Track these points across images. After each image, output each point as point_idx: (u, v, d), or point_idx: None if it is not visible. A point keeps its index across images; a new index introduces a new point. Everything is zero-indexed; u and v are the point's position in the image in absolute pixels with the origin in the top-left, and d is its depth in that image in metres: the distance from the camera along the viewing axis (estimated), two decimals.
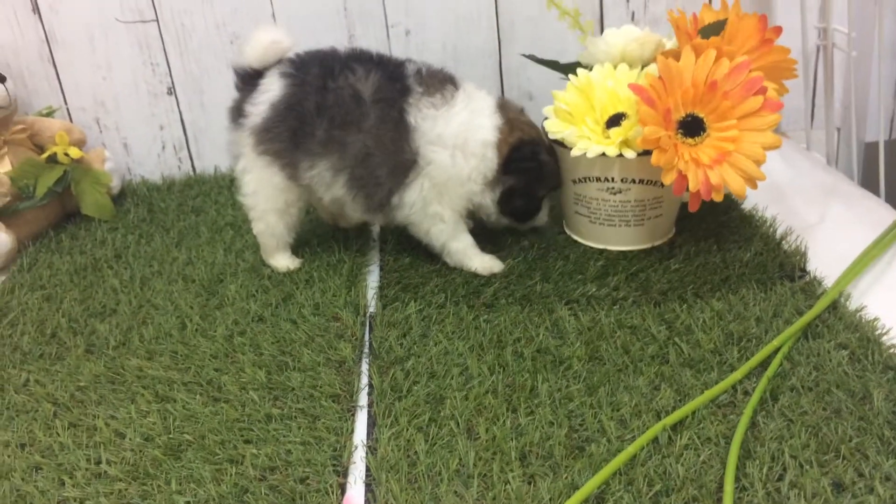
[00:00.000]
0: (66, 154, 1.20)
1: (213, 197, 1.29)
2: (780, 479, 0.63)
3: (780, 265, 0.93)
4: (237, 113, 0.99)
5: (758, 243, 0.98)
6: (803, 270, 0.93)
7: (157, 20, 1.27)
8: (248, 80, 0.99)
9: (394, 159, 0.94)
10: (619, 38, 1.01)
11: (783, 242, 0.98)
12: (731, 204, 1.08)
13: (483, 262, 0.99)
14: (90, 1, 1.25)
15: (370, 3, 1.28)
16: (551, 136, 0.99)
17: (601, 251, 1.00)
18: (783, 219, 1.03)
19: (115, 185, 1.27)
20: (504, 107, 1.00)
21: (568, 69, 1.03)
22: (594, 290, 0.92)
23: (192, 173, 1.38)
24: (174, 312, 0.97)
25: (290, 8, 1.28)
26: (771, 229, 1.01)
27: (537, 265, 0.98)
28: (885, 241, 0.96)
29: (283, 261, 1.04)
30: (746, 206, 1.08)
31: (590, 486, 0.62)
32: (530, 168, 0.98)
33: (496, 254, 1.01)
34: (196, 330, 0.92)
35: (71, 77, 1.30)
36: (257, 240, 1.05)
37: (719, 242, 0.99)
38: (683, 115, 0.91)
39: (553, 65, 1.06)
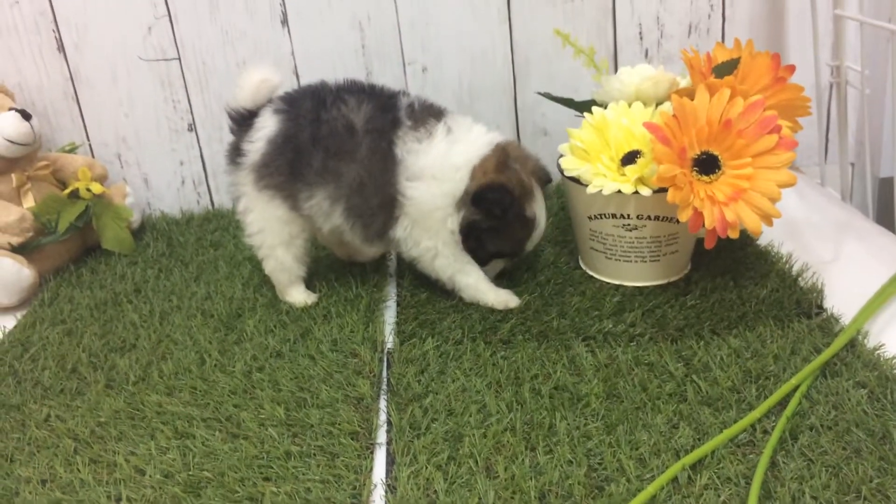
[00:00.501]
0: (88, 189, 1.22)
1: (231, 231, 1.30)
2: None
3: (797, 302, 0.93)
4: (235, 154, 1.02)
5: (774, 280, 0.98)
6: (820, 307, 0.93)
7: (180, 59, 1.30)
8: (243, 121, 1.01)
9: (382, 192, 0.96)
10: (633, 76, 1.03)
11: (799, 279, 0.98)
12: (746, 240, 1.08)
13: (498, 297, 0.99)
14: (114, 39, 1.28)
15: (387, 41, 1.30)
16: (567, 174, 1.00)
17: (617, 287, 1.01)
18: (799, 255, 1.03)
19: (136, 219, 1.29)
20: (504, 148, 0.98)
21: (583, 107, 1.04)
22: (611, 326, 0.92)
23: (210, 207, 1.40)
24: (193, 347, 0.98)
25: (309, 47, 1.30)
26: (787, 266, 1.01)
27: (554, 301, 0.99)
28: None
29: (299, 295, 1.05)
30: (762, 242, 1.08)
31: None
32: (493, 214, 0.96)
33: (512, 288, 1.01)
34: (215, 365, 0.93)
35: (94, 114, 1.33)
36: (271, 279, 1.07)
37: (735, 279, 0.99)
38: (698, 152, 0.92)
39: (568, 102, 1.07)
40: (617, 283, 1.02)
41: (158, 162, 1.37)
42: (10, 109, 1.15)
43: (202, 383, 0.90)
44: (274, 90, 1.01)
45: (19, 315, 1.11)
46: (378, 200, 0.97)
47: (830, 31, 1.21)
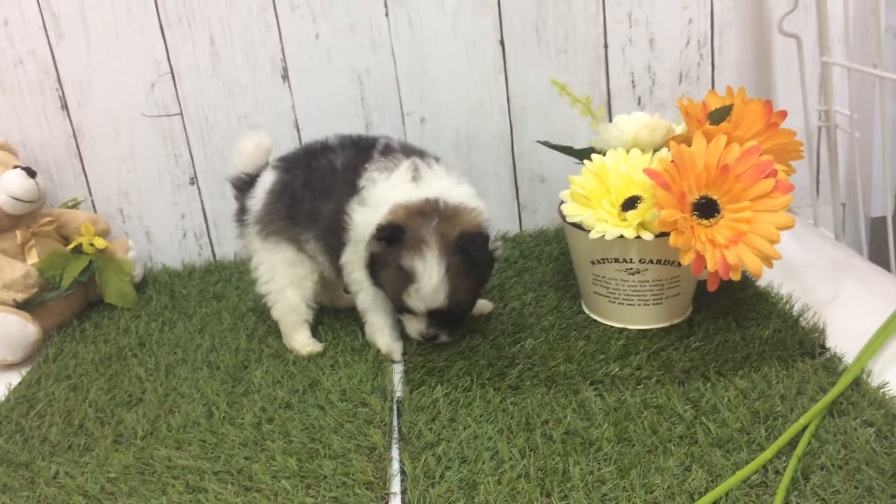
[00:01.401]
0: (92, 244, 1.23)
1: (233, 283, 1.31)
2: None
3: (800, 342, 0.94)
4: (241, 214, 1.08)
5: (776, 320, 0.99)
6: (823, 347, 0.94)
7: (182, 114, 1.32)
8: (245, 186, 1.08)
9: (340, 217, 1.00)
10: (630, 124, 1.05)
11: (800, 319, 0.99)
12: (746, 282, 1.10)
13: (386, 344, 1.04)
14: (117, 97, 1.30)
15: (386, 93, 1.33)
16: (569, 220, 1.02)
17: (621, 330, 1.02)
18: (798, 296, 1.05)
19: (138, 273, 1.30)
20: (436, 202, 0.96)
21: (582, 154, 1.06)
22: (617, 369, 0.93)
23: (212, 259, 1.41)
24: (200, 400, 0.98)
25: (309, 100, 1.33)
26: (787, 306, 1.03)
27: (559, 345, 1.00)
28: None
29: (304, 339, 1.07)
30: (761, 283, 1.10)
31: None
32: (386, 249, 0.95)
33: (516, 334, 1.02)
34: (223, 417, 0.93)
35: (96, 169, 1.34)
36: (278, 325, 1.07)
37: (737, 320, 1.01)
38: (697, 197, 0.94)
39: (567, 150, 1.09)
40: (621, 326, 1.03)
41: (160, 215, 1.38)
42: (15, 167, 1.17)
43: (211, 436, 0.90)
44: (269, 152, 1.08)
45: (24, 371, 1.11)
46: (338, 226, 1.00)
47: (817, 76, 1.25)
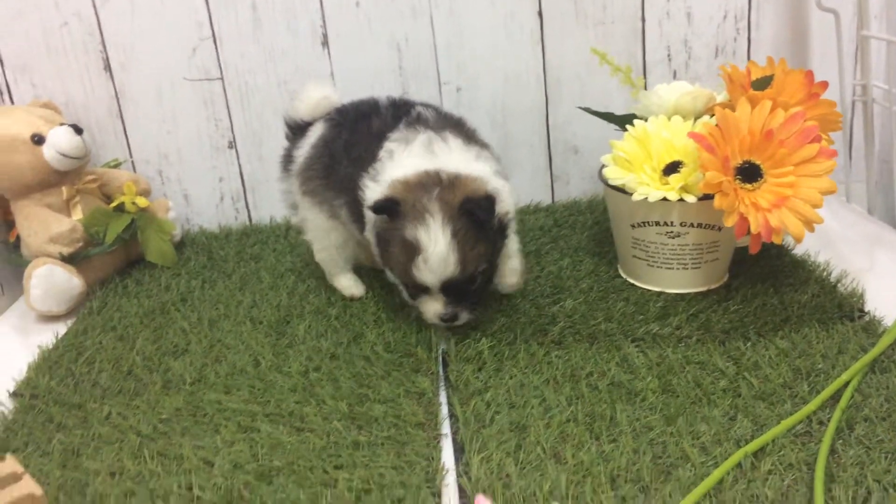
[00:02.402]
0: (134, 203, 1.25)
1: (270, 245, 1.33)
2: (866, 501, 0.65)
3: (839, 306, 0.96)
4: (287, 161, 1.10)
5: (814, 286, 1.00)
6: (862, 311, 0.95)
7: (223, 78, 1.34)
8: (298, 131, 1.09)
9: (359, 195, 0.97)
10: (671, 92, 1.07)
11: (839, 285, 1.01)
12: (782, 250, 1.11)
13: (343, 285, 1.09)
14: (159, 60, 1.32)
15: (424, 63, 1.35)
16: (611, 183, 1.04)
17: (659, 293, 1.03)
18: (835, 264, 1.06)
19: (177, 233, 1.32)
20: (437, 174, 0.91)
21: (623, 120, 1.08)
22: (657, 328, 0.94)
23: (248, 223, 1.43)
24: (246, 351, 1.00)
25: (348, 67, 1.34)
26: (825, 273, 1.04)
27: (598, 306, 1.01)
28: None
29: (347, 282, 1.11)
30: (797, 252, 1.11)
31: None
32: (388, 226, 0.92)
33: (556, 295, 1.04)
34: (270, 366, 0.95)
35: (137, 131, 1.36)
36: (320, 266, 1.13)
37: (775, 286, 1.02)
38: (741, 161, 0.95)
39: (609, 117, 1.11)
40: (659, 289, 1.04)
41: (199, 178, 1.40)
42: (62, 125, 1.19)
43: (260, 383, 0.92)
44: (332, 107, 1.09)
45: (69, 323, 1.13)
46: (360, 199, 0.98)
47: (853, 53, 1.26)
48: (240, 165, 1.40)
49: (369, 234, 0.98)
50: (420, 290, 0.92)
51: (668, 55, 1.37)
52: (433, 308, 0.93)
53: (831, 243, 1.15)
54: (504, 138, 1.40)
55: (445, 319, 0.93)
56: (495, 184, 0.93)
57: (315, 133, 1.06)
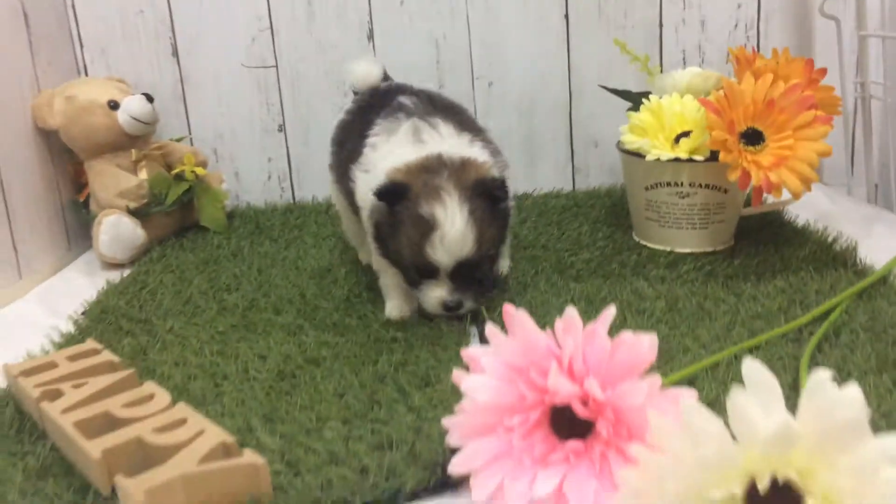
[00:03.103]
0: (193, 172, 1.37)
1: (312, 218, 1.45)
2: (847, 378, 0.74)
3: (834, 258, 1.05)
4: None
5: (812, 245, 1.10)
6: (856, 262, 1.04)
7: (277, 66, 1.48)
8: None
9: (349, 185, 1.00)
10: (684, 74, 1.19)
11: (835, 245, 1.10)
12: (784, 221, 1.21)
13: (391, 305, 0.98)
14: (221, 48, 1.46)
15: (459, 58, 1.48)
16: (627, 147, 1.15)
17: (669, 251, 1.13)
18: (834, 231, 1.16)
19: (228, 203, 1.44)
20: (439, 156, 0.90)
21: (639, 97, 1.19)
22: (666, 273, 1.04)
23: (292, 201, 1.55)
24: (293, 287, 1.10)
25: (390, 59, 1.47)
26: (823, 236, 1.13)
27: (613, 258, 1.11)
28: None
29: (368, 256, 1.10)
30: (799, 223, 1.20)
31: (680, 374, 0.73)
32: (391, 213, 0.90)
33: (571, 249, 1.14)
34: (315, 296, 1.06)
35: (197, 112, 1.50)
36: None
37: (776, 246, 1.11)
38: (745, 128, 1.06)
39: (625, 94, 1.22)
40: (669, 248, 1.14)
41: (249, 157, 1.53)
42: (135, 94, 1.32)
43: (306, 306, 1.02)
44: (377, 82, 1.14)
45: (132, 269, 1.25)
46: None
47: (856, 60, 1.37)
48: (287, 148, 1.53)
49: (366, 224, 0.96)
50: (426, 273, 0.89)
51: (683, 59, 1.49)
52: (437, 294, 0.90)
53: (832, 218, 1.25)
54: (530, 131, 1.52)
55: (449, 308, 0.90)
56: (491, 162, 0.93)
57: (345, 108, 1.15)
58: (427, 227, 0.86)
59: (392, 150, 0.93)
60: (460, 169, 0.89)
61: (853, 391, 0.43)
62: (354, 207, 1.01)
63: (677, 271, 1.05)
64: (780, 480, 0.45)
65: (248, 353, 0.90)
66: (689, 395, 0.53)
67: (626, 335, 0.54)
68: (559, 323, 0.56)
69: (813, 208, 1.28)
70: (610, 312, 0.56)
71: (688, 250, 1.13)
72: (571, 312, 0.57)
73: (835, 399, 0.44)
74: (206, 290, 1.12)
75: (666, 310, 0.91)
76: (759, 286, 0.98)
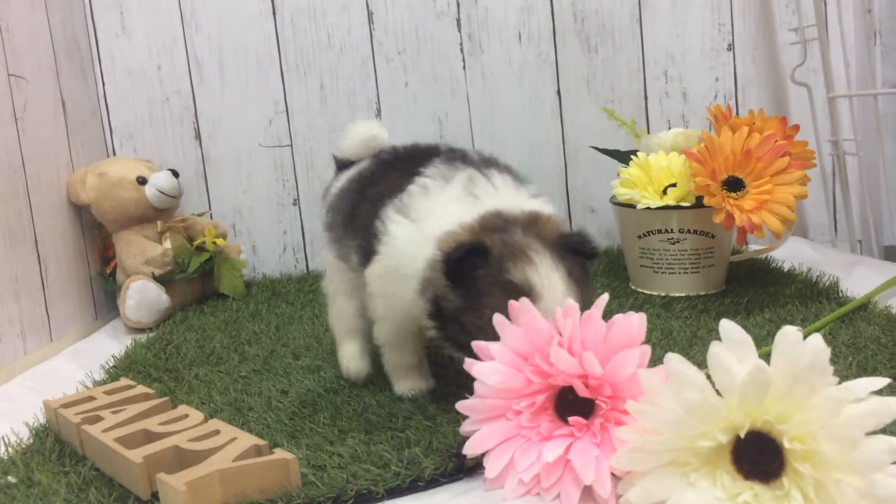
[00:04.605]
0: (214, 243, 1.46)
1: None
2: None
3: (819, 292, 1.12)
4: (325, 193, 1.06)
5: (798, 284, 1.17)
6: (839, 295, 1.11)
7: (292, 145, 1.59)
8: (343, 167, 1.03)
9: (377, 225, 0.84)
10: (668, 134, 1.29)
11: (818, 283, 1.17)
12: (770, 266, 1.28)
13: (403, 385, 0.89)
14: (241, 130, 1.58)
15: (460, 132, 1.59)
16: (619, 199, 1.23)
17: (664, 295, 1.20)
18: (817, 273, 1.23)
19: (245, 274, 1.52)
20: (500, 213, 0.77)
21: (628, 155, 1.29)
22: (661, 311, 1.11)
23: (306, 271, 1.63)
24: (310, 337, 1.17)
25: (396, 136, 1.58)
26: (808, 276, 1.20)
27: (610, 303, 1.18)
28: None
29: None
30: (785, 266, 1.28)
31: None
32: (462, 283, 0.74)
33: None
34: (332, 342, 1.11)
35: (217, 190, 1.60)
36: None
37: (765, 286, 1.18)
38: (726, 176, 1.15)
39: (615, 154, 1.32)
40: (663, 293, 1.21)
41: (266, 231, 1.62)
42: (162, 170, 1.43)
43: (323, 351, 1.08)
44: (380, 147, 1.02)
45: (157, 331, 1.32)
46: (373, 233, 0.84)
47: (827, 115, 1.48)
48: (301, 220, 1.62)
49: (419, 301, 0.78)
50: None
51: (668, 128, 1.60)
52: None
53: (816, 264, 1.32)
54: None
55: None
56: (560, 216, 0.82)
57: (346, 175, 0.99)
58: (521, 295, 0.69)
59: (440, 199, 0.80)
60: (532, 223, 0.76)
61: (816, 340, 0.50)
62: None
63: (672, 310, 1.11)
64: (759, 430, 0.51)
65: (272, 389, 0.96)
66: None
67: (618, 316, 0.61)
68: (559, 310, 0.63)
69: (798, 257, 1.35)
70: (604, 299, 0.63)
71: (682, 294, 1.20)
72: (571, 303, 0.63)
73: (800, 347, 0.50)
74: (227, 344, 1.18)
75: (661, 337, 0.98)
76: (749, 318, 1.05)
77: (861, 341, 0.90)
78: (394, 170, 0.90)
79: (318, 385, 0.94)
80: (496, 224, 0.75)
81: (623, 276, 1.32)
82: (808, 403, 0.49)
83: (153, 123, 1.58)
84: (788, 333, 0.50)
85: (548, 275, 0.71)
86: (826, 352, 0.49)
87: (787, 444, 0.49)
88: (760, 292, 1.16)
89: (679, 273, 1.20)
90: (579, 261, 0.76)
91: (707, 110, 1.27)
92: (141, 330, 1.34)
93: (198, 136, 1.59)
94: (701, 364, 0.88)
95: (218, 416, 0.88)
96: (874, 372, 0.81)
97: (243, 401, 0.93)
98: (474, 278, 0.73)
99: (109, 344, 1.28)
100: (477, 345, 0.64)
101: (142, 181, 1.40)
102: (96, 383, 1.04)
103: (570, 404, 0.62)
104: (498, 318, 0.64)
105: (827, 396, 0.48)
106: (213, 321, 1.32)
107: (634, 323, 0.60)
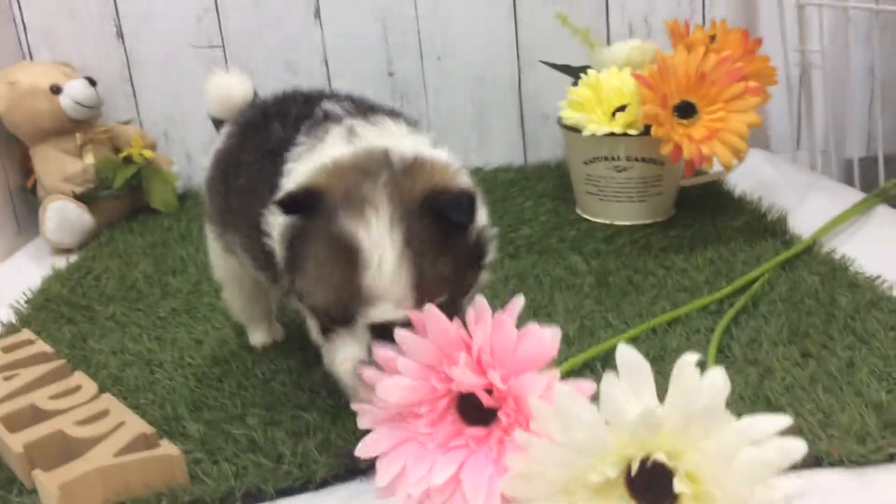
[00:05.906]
0: (141, 154, 1.37)
1: None
2: (758, 349, 0.76)
3: (765, 228, 1.07)
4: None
5: (747, 215, 1.12)
6: (785, 232, 1.06)
7: (224, 47, 1.47)
8: (218, 126, 0.86)
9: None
10: (622, 47, 1.19)
11: (767, 215, 1.12)
12: (722, 190, 1.23)
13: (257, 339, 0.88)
14: (167, 29, 1.46)
15: (407, 33, 1.48)
16: (566, 123, 1.16)
17: (609, 224, 1.15)
18: (769, 201, 1.17)
19: (179, 184, 1.44)
20: (383, 153, 0.63)
21: (579, 71, 1.20)
22: (603, 246, 1.06)
23: None
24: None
25: (337, 37, 1.47)
26: (756, 207, 1.15)
27: (552, 233, 1.13)
28: (861, 206, 1.10)
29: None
30: (736, 193, 1.22)
31: (596, 350, 0.75)
32: (300, 229, 0.62)
33: (514, 223, 1.16)
34: None
35: (145, 95, 1.49)
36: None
37: (712, 217, 1.13)
38: (678, 101, 1.07)
39: (566, 69, 1.23)
40: (608, 222, 1.16)
41: (200, 139, 1.52)
42: (78, 78, 1.32)
43: None
44: (238, 106, 0.84)
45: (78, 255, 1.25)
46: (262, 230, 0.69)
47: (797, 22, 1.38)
48: None
49: (278, 250, 0.66)
50: (338, 320, 0.61)
51: (630, 30, 1.50)
52: (350, 352, 0.61)
53: (769, 187, 1.26)
54: (480, 106, 1.53)
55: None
56: (468, 181, 0.65)
57: (217, 141, 0.82)
58: (342, 253, 0.58)
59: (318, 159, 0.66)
60: (408, 172, 0.62)
61: (714, 377, 0.45)
62: (261, 262, 0.72)
63: (614, 244, 1.07)
64: (651, 462, 0.47)
65: (186, 338, 0.91)
66: (587, 387, 0.54)
67: (532, 327, 0.56)
68: (470, 312, 0.58)
69: (754, 177, 1.30)
70: (518, 302, 0.58)
71: (627, 223, 1.15)
72: (481, 301, 0.58)
73: (696, 386, 0.46)
74: (151, 273, 1.13)
75: (595, 285, 0.93)
76: (690, 258, 1.00)
77: (798, 294, 0.86)
78: (250, 146, 0.75)
79: (234, 337, 0.90)
80: (365, 164, 0.62)
81: (570, 198, 1.26)
82: (701, 445, 0.45)
83: (71, 20, 1.45)
84: (685, 367, 0.45)
85: (380, 237, 0.58)
86: (724, 391, 0.45)
87: (677, 484, 0.46)
88: (707, 224, 1.11)
89: (625, 201, 1.15)
90: (445, 227, 0.59)
91: (665, 24, 1.17)
92: (65, 250, 1.28)
93: (120, 35, 1.46)
94: (631, 318, 0.85)
95: (126, 371, 0.85)
96: (805, 338, 0.78)
97: (154, 353, 0.88)
98: (304, 233, 0.61)
99: (28, 269, 1.22)
100: (382, 356, 0.59)
101: (56, 90, 1.29)
102: (4, 327, 0.99)
103: (475, 407, 0.58)
104: (401, 334, 0.58)
105: (720, 444, 0.44)
106: (139, 243, 1.25)
107: (547, 339, 0.55)
